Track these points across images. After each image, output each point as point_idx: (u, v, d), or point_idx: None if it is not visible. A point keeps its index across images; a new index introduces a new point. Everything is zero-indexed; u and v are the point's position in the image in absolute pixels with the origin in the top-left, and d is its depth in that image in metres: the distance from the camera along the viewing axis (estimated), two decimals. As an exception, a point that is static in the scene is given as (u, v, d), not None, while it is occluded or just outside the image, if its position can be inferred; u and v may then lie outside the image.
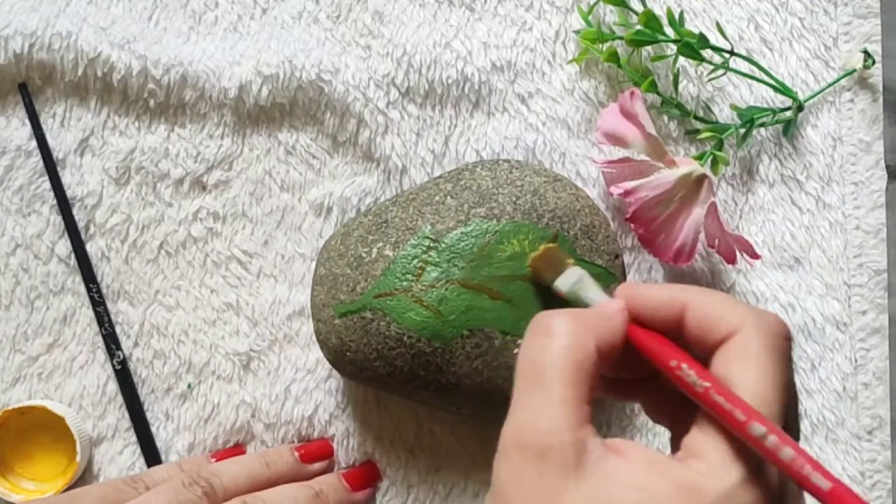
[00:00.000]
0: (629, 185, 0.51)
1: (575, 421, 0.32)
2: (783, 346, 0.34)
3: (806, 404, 0.55)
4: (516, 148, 0.55)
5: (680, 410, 0.35)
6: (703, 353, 0.35)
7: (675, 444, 0.37)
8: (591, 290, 0.42)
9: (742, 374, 0.33)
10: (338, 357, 0.50)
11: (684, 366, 0.34)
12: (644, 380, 0.37)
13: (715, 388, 0.32)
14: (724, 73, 0.54)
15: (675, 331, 0.36)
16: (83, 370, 0.55)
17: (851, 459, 0.55)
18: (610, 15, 0.56)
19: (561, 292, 0.43)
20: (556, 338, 0.34)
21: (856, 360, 0.55)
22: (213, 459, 0.53)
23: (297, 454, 0.53)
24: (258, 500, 0.48)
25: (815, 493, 0.30)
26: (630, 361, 0.36)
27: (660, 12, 0.55)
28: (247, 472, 0.50)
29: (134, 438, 0.55)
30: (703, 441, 0.33)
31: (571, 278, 0.43)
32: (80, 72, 0.55)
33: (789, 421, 0.33)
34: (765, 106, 0.55)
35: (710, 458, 0.32)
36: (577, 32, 0.55)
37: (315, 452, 0.54)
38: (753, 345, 0.33)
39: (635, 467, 0.32)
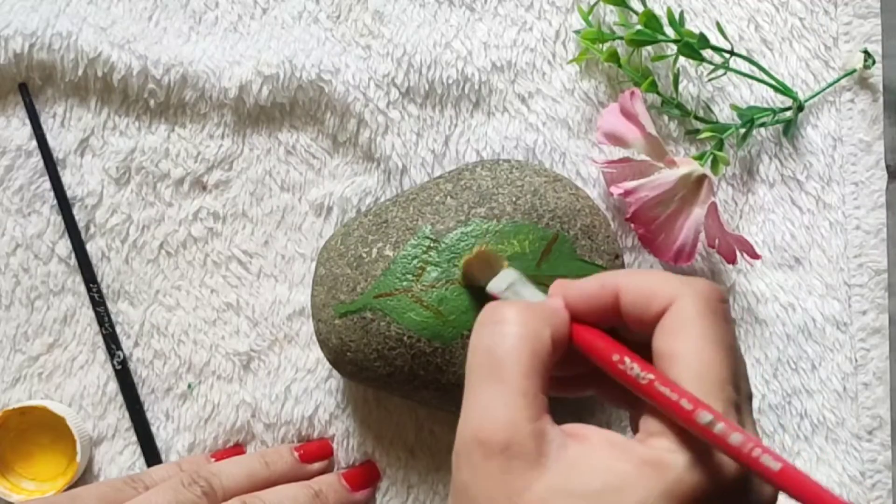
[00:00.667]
0: (629, 185, 0.51)
1: (534, 411, 0.32)
2: (719, 307, 0.34)
3: (806, 404, 0.55)
4: (516, 148, 0.55)
5: (631, 393, 0.35)
6: (644, 332, 0.34)
7: (634, 427, 0.37)
8: (528, 290, 0.42)
9: (683, 344, 0.33)
10: (338, 357, 0.50)
11: (627, 359, 0.34)
12: (593, 372, 0.37)
13: (659, 380, 0.32)
14: (724, 73, 0.54)
15: (613, 318, 0.35)
16: (83, 370, 0.55)
17: (851, 459, 0.55)
18: (610, 15, 0.56)
19: (495, 294, 0.43)
20: (511, 326, 0.34)
21: (856, 360, 0.55)
22: (213, 459, 0.53)
23: (296, 454, 0.53)
24: (257, 500, 0.48)
25: (766, 474, 0.30)
26: (575, 357, 0.36)
27: (660, 12, 0.55)
28: (246, 472, 0.50)
29: (134, 438, 0.55)
30: (659, 422, 0.32)
31: (507, 279, 0.43)
32: (80, 72, 0.55)
33: (739, 383, 0.33)
34: (765, 106, 0.55)
35: (670, 436, 0.32)
36: (577, 32, 0.55)
37: (314, 452, 0.54)
38: (688, 312, 0.33)
39: (597, 451, 0.32)
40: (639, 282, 0.35)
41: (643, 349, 0.34)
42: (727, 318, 0.34)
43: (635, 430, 0.36)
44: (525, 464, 0.31)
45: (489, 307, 0.35)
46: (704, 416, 0.31)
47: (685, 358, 0.32)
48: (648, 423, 0.33)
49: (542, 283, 0.48)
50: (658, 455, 0.31)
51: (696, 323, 0.33)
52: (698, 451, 0.31)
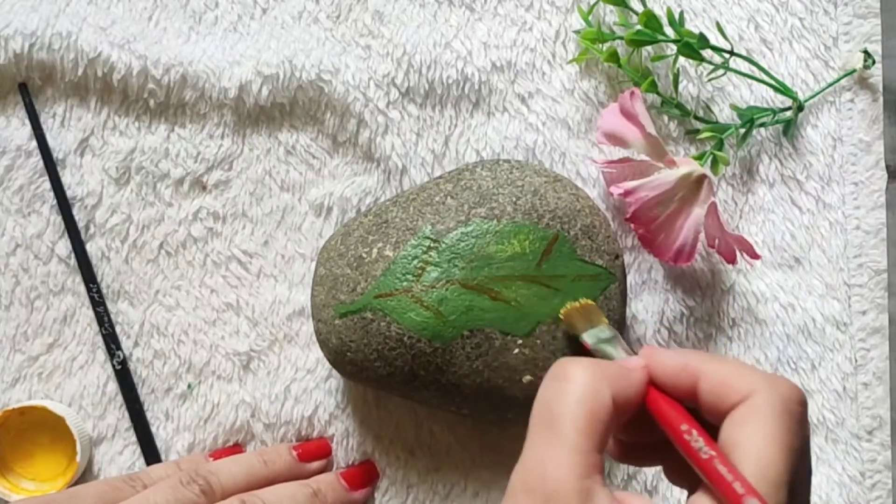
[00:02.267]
0: (629, 185, 0.51)
1: (584, 469, 0.32)
2: (795, 410, 0.34)
3: (806, 404, 0.55)
4: (516, 148, 0.55)
5: (695, 474, 0.35)
6: (716, 421, 0.35)
7: None
8: (617, 349, 0.43)
9: (749, 438, 0.33)
10: (338, 357, 0.50)
11: (694, 432, 0.34)
12: (662, 443, 0.37)
13: (720, 459, 0.33)
14: (724, 73, 0.54)
15: (691, 400, 0.36)
16: (83, 370, 0.55)
17: (851, 459, 0.55)
18: (610, 15, 0.56)
19: (587, 344, 0.44)
20: (574, 384, 0.34)
21: (856, 360, 0.55)
22: (211, 458, 0.53)
23: (295, 453, 0.53)
24: (256, 499, 0.48)
25: None
26: (649, 425, 0.36)
27: (660, 12, 0.55)
28: (245, 471, 0.50)
29: (134, 438, 0.55)
30: (707, 502, 0.33)
31: (602, 334, 0.45)
32: (80, 72, 0.55)
33: (797, 487, 0.33)
34: (765, 106, 0.55)
35: None
36: (577, 32, 0.55)
37: (313, 451, 0.54)
38: (762, 410, 0.33)
39: None
40: (720, 371, 0.35)
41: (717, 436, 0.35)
42: (802, 423, 0.34)
43: None
44: None
45: (557, 363, 0.36)
46: (752, 503, 0.31)
47: (748, 451, 0.33)
48: (695, 502, 0.33)
49: (543, 284, 0.49)
50: None
51: (767, 420, 0.33)
52: None
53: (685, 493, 0.38)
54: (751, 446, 0.33)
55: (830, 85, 0.56)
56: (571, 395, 0.34)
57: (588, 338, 0.45)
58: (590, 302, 0.48)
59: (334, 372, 0.54)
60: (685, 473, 0.37)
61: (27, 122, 0.55)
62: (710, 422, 0.35)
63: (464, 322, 0.48)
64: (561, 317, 0.48)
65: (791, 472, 0.33)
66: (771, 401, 0.33)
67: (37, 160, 0.55)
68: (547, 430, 0.34)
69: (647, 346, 0.38)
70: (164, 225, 0.55)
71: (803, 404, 0.35)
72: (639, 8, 0.54)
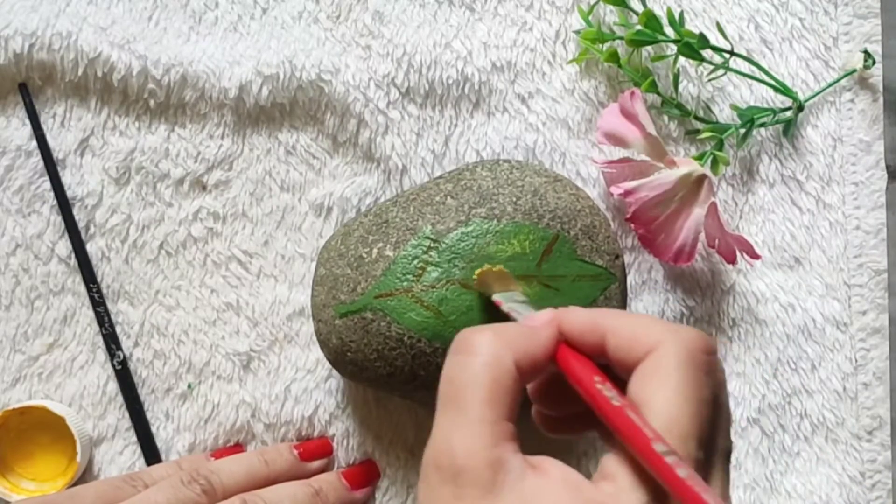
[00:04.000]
0: (629, 185, 0.51)
1: (491, 439, 0.32)
2: (701, 360, 0.33)
3: (806, 404, 0.55)
4: (516, 148, 0.55)
5: None
6: (626, 376, 0.34)
7: None
8: (529, 309, 0.42)
9: (655, 393, 0.32)
10: (338, 357, 0.50)
11: (608, 384, 0.33)
12: (589, 410, 0.36)
13: (630, 407, 0.32)
14: (724, 73, 0.54)
15: (602, 357, 0.35)
16: (83, 370, 0.55)
17: (851, 459, 0.55)
18: (610, 15, 0.56)
19: (499, 303, 0.44)
20: (474, 356, 0.34)
21: (856, 360, 0.55)
22: (212, 458, 0.53)
23: (295, 452, 0.53)
24: (257, 498, 0.48)
25: None
26: (573, 394, 0.35)
27: (660, 12, 0.55)
28: (246, 470, 0.50)
29: (134, 438, 0.55)
30: (615, 462, 0.32)
31: (516, 297, 0.44)
32: (80, 72, 0.55)
33: (713, 438, 0.33)
34: (765, 106, 0.55)
35: (619, 481, 0.31)
36: (577, 32, 0.55)
37: (314, 451, 0.54)
38: (666, 362, 0.33)
39: (551, 487, 0.32)
40: (626, 325, 0.34)
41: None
42: (709, 371, 0.33)
43: None
44: (477, 491, 0.31)
45: (459, 336, 0.35)
46: (660, 447, 0.30)
47: (653, 407, 0.32)
48: (606, 464, 0.33)
49: (543, 284, 0.49)
50: (602, 500, 0.31)
51: (672, 373, 0.32)
52: (643, 502, 0.31)
53: None
54: (656, 400, 0.32)
55: (830, 85, 0.56)
56: (472, 367, 0.33)
57: (500, 298, 0.44)
58: (505, 270, 0.47)
59: (334, 372, 0.54)
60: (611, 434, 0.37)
61: (27, 122, 0.55)
62: (621, 378, 0.34)
63: (464, 322, 0.48)
64: (474, 277, 0.47)
65: (700, 424, 0.32)
66: (675, 352, 0.33)
67: (37, 160, 0.55)
68: (451, 405, 0.33)
69: (561, 309, 0.37)
70: (165, 225, 0.55)
71: (710, 352, 0.34)
72: (639, 8, 0.54)
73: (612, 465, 0.32)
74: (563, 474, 0.32)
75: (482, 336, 0.34)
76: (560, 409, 0.37)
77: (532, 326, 0.36)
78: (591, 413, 0.36)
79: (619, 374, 0.35)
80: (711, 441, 0.33)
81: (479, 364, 0.33)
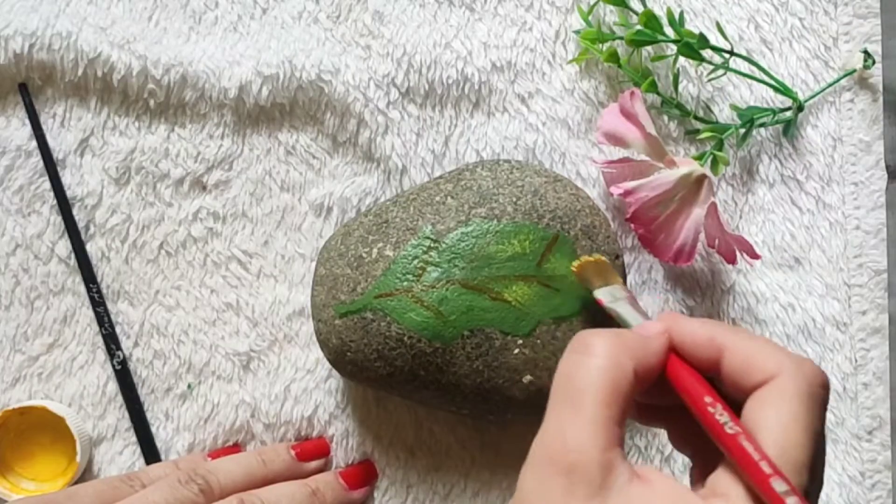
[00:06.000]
0: (629, 185, 0.51)
1: (605, 441, 0.32)
2: (819, 394, 0.34)
3: (806, 404, 0.55)
4: (516, 148, 0.55)
5: (704, 443, 0.35)
6: (737, 396, 0.35)
7: (694, 477, 0.37)
8: (633, 310, 0.42)
9: (775, 419, 0.33)
10: (338, 357, 0.50)
11: (719, 406, 0.34)
12: (671, 407, 0.37)
13: (745, 436, 0.32)
14: (724, 73, 0.54)
15: (713, 371, 0.36)
16: (83, 370, 0.55)
17: (851, 459, 0.55)
18: (610, 15, 0.56)
19: (601, 301, 0.44)
20: (595, 357, 0.34)
21: (856, 360, 0.55)
22: (210, 458, 0.53)
23: (293, 452, 0.53)
24: (254, 498, 0.48)
25: None
26: (660, 387, 0.36)
27: (660, 12, 0.55)
28: (243, 470, 0.50)
29: (134, 438, 0.55)
30: (729, 482, 0.33)
31: (617, 293, 0.44)
32: (80, 72, 0.55)
33: (815, 469, 0.33)
34: (765, 106, 0.55)
35: (733, 500, 0.32)
36: (577, 32, 0.55)
37: (311, 451, 0.54)
38: (788, 391, 0.33)
39: (659, 497, 0.32)
40: (747, 348, 0.35)
41: (733, 409, 0.35)
42: (823, 406, 0.34)
43: (693, 480, 0.36)
44: (588, 490, 0.32)
45: (578, 335, 0.36)
46: (780, 486, 0.31)
47: (772, 432, 0.32)
48: (717, 481, 0.33)
49: (543, 284, 0.49)
50: None
51: (792, 402, 0.33)
52: None
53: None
54: (775, 427, 0.33)
55: (830, 85, 0.56)
56: (593, 368, 0.34)
57: (602, 295, 0.45)
58: (604, 259, 0.48)
59: (334, 372, 0.54)
60: (691, 441, 0.37)
61: (27, 122, 0.55)
62: (730, 395, 0.35)
63: (464, 322, 0.48)
64: (574, 270, 0.47)
65: (813, 456, 0.33)
66: (796, 382, 0.33)
67: (37, 160, 0.55)
68: (569, 402, 0.33)
69: (669, 312, 0.38)
70: (164, 225, 0.55)
71: (826, 387, 0.35)
72: (639, 8, 0.54)
73: (724, 483, 0.33)
74: (670, 485, 0.33)
75: (603, 339, 0.35)
76: (643, 398, 0.38)
77: (646, 336, 0.36)
78: (669, 411, 0.37)
79: (727, 391, 0.35)
80: (818, 473, 0.34)
81: (600, 366, 0.34)
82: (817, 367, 0.35)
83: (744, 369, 0.34)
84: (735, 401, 0.35)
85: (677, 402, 0.36)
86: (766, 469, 0.31)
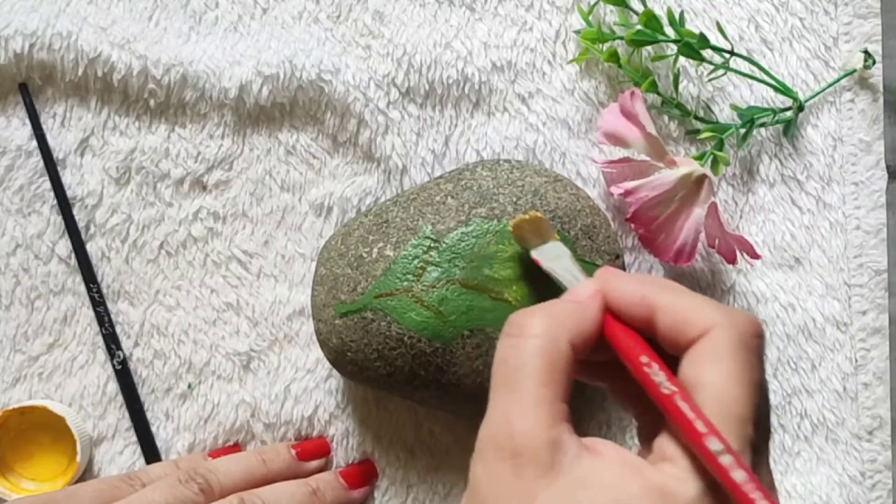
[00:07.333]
0: (629, 185, 0.51)
1: (549, 420, 0.32)
2: (754, 344, 0.34)
3: (806, 404, 0.55)
4: (516, 148, 0.55)
5: (647, 402, 0.34)
6: (674, 354, 0.34)
7: (642, 438, 0.37)
8: (572, 269, 0.42)
9: (711, 375, 0.32)
10: (338, 357, 0.50)
11: (655, 366, 0.33)
12: (613, 363, 0.36)
13: (681, 395, 0.32)
14: (725, 73, 0.54)
15: (646, 329, 0.35)
16: (83, 370, 0.55)
17: (851, 459, 0.55)
18: (610, 15, 0.56)
19: (538, 261, 0.43)
20: (529, 338, 0.34)
21: (856, 360, 0.55)
22: (210, 457, 0.53)
23: (293, 452, 0.53)
24: (255, 497, 0.48)
25: None
26: (601, 345, 0.36)
27: (660, 12, 0.55)
28: (243, 469, 0.50)
29: (134, 438, 0.55)
30: (673, 445, 0.32)
31: (554, 252, 0.43)
32: (80, 72, 0.55)
33: (760, 420, 0.33)
34: (765, 106, 0.55)
35: (681, 463, 0.32)
36: (577, 32, 0.55)
37: (312, 450, 0.54)
38: (722, 345, 0.33)
39: (609, 468, 0.32)
40: (678, 305, 0.34)
41: (672, 367, 0.34)
42: (759, 355, 0.34)
43: (641, 441, 0.36)
44: (536, 471, 0.32)
45: (511, 318, 0.35)
46: (714, 444, 0.31)
47: (710, 389, 0.32)
48: (663, 446, 0.33)
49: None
50: (666, 482, 0.31)
51: (727, 356, 0.33)
52: (708, 484, 0.31)
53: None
54: (713, 383, 0.32)
55: (830, 85, 0.56)
56: (527, 349, 0.34)
57: (539, 255, 0.44)
58: (540, 214, 0.47)
59: (334, 372, 0.54)
60: (631, 396, 0.37)
61: (27, 122, 0.55)
62: (668, 352, 0.34)
63: (464, 322, 0.48)
64: (510, 229, 0.47)
65: (755, 407, 0.32)
66: (730, 336, 0.33)
67: (37, 160, 0.55)
68: (508, 386, 0.33)
69: (605, 268, 0.37)
70: (165, 225, 0.55)
71: (761, 337, 0.34)
72: (639, 8, 0.54)
73: (670, 447, 0.32)
74: (620, 455, 0.33)
75: (534, 318, 0.34)
76: (598, 355, 0.37)
77: (579, 301, 0.36)
78: (606, 366, 0.36)
79: (665, 349, 0.35)
80: (764, 424, 0.33)
81: (534, 346, 0.34)
82: (751, 317, 0.34)
83: (676, 327, 0.34)
84: (675, 360, 0.34)
85: (613, 357, 0.36)
86: (701, 428, 0.31)
